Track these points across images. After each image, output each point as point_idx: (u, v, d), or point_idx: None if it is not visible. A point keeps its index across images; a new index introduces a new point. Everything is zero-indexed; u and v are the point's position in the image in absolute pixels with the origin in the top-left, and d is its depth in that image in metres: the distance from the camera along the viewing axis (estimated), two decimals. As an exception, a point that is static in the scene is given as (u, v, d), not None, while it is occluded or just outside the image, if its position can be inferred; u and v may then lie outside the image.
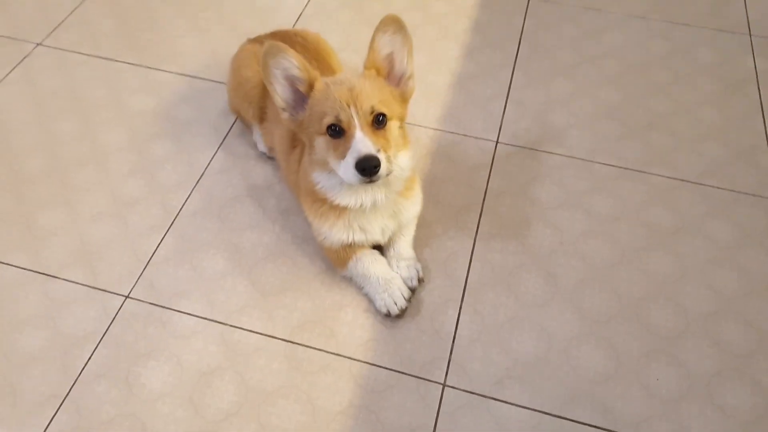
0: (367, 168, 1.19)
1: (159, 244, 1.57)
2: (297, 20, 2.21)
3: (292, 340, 1.41)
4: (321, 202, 1.39)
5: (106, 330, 1.41)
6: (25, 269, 1.52)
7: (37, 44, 2.10)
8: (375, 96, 1.24)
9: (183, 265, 1.53)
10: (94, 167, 1.74)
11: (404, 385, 1.33)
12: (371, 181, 1.22)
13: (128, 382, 1.34)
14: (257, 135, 1.76)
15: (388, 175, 1.24)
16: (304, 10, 2.25)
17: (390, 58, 1.33)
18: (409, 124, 1.86)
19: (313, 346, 1.40)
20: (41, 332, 1.41)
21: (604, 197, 1.70)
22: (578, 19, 2.23)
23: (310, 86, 1.29)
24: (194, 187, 1.70)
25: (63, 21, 2.18)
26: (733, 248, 1.60)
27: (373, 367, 1.36)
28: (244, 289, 1.50)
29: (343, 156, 1.23)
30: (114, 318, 1.43)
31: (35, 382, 1.33)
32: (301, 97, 1.32)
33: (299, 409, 1.31)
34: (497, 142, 1.83)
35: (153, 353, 1.38)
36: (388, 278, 1.44)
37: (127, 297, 1.47)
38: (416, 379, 1.34)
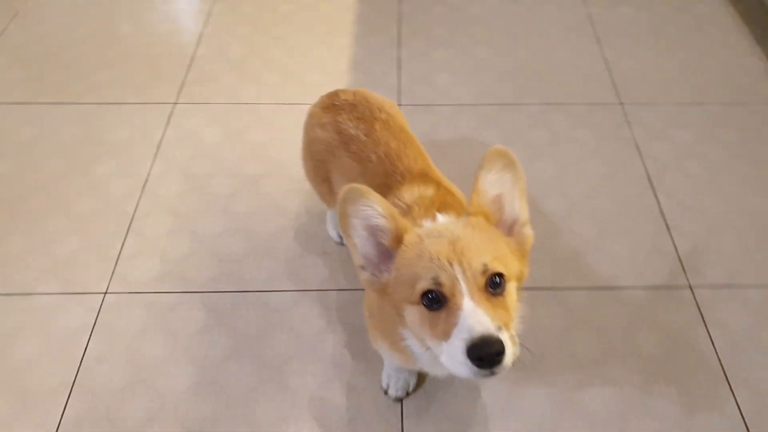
0: (487, 357, 0.86)
1: (123, 245, 1.74)
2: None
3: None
4: (399, 350, 1.13)
5: (95, 321, 1.57)
6: None
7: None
8: (488, 250, 0.94)
9: (151, 255, 1.72)
10: (44, 194, 1.87)
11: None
12: (492, 374, 0.89)
13: (129, 357, 1.51)
14: (329, 218, 1.73)
15: (514, 363, 0.90)
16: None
17: (498, 201, 1.03)
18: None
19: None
20: (34, 340, 1.54)
21: (491, 129, 2.05)
22: (443, -1, 2.62)
23: (398, 240, 0.99)
24: (141, 193, 1.88)
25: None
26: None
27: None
28: (210, 262, 1.70)
29: (446, 335, 0.90)
30: (99, 311, 1.59)
31: (40, 381, 1.47)
32: (385, 252, 1.01)
33: (285, 339, 1.54)
34: (399, 105, 2.14)
35: (145, 329, 1.56)
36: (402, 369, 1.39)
37: (105, 293, 1.63)
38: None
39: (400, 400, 1.45)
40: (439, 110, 2.12)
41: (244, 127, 2.08)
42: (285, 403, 1.43)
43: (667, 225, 1.78)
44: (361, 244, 1.01)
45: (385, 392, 1.45)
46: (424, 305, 0.93)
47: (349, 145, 1.35)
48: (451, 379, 1.47)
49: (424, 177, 1.28)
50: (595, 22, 2.47)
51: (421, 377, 1.47)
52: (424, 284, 0.92)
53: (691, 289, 1.64)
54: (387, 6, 2.58)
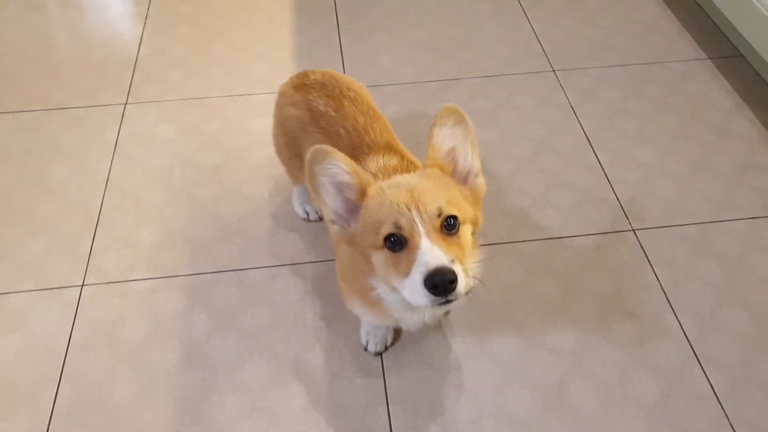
0: (441, 284, 0.96)
1: (93, 239, 1.76)
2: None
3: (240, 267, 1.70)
4: (371, 304, 1.23)
5: (75, 312, 1.60)
6: (-28, 297, 1.64)
7: None
8: (442, 195, 1.04)
9: (123, 246, 1.74)
10: (2, 202, 1.87)
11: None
12: (447, 302, 0.99)
13: (114, 341, 1.54)
14: (296, 196, 1.79)
15: (468, 293, 1.01)
16: (143, 32, 2.49)
17: (452, 154, 1.14)
18: (274, 92, 2.21)
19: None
20: (14, 336, 1.56)
21: (436, 103, 2.17)
22: (376, -14, 2.73)
23: (363, 193, 1.08)
24: (104, 190, 1.90)
25: None
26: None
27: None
28: (183, 247, 1.75)
29: (407, 272, 1.00)
30: (78, 303, 1.62)
31: (28, 373, 1.49)
32: (352, 206, 1.11)
33: (265, 310, 1.60)
34: (346, 88, 2.23)
35: (126, 315, 1.59)
36: (379, 324, 1.46)
37: (82, 286, 1.66)
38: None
39: (379, 354, 1.54)
40: (385, 89, 2.23)
41: (197, 121, 2.12)
42: (270, 367, 1.50)
43: (606, 176, 1.94)
44: (330, 201, 1.10)
45: (365, 348, 1.54)
46: (388, 248, 1.04)
47: (319, 121, 1.43)
48: (424, 332, 1.57)
49: (389, 149, 1.37)
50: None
51: (397, 333, 1.57)
52: (386, 229, 1.02)
53: (634, 232, 1.80)
54: (323, -4, 2.67)
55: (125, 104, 2.18)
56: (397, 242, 1.02)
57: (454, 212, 1.04)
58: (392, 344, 1.55)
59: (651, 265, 1.71)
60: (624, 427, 1.42)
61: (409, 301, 1.02)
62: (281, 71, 2.30)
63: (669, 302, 1.63)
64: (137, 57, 2.37)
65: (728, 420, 1.42)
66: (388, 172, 1.30)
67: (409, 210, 1.01)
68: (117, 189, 1.90)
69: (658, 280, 1.68)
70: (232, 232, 1.79)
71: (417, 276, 0.98)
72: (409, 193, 1.03)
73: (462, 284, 0.98)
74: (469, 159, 1.14)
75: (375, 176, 1.29)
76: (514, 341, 1.56)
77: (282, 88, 1.57)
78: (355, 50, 2.40)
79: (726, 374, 1.49)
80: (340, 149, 1.35)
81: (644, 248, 1.75)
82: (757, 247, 1.74)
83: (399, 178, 1.11)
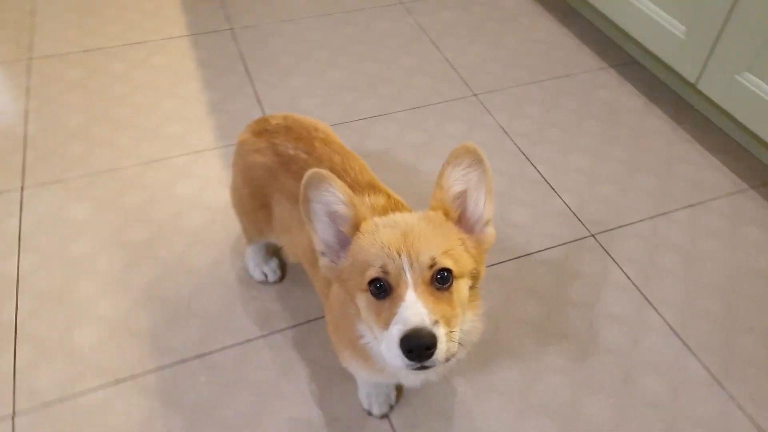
0: (416, 349, 0.85)
1: (15, 356, 1.46)
2: (24, 118, 2.15)
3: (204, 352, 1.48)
4: (364, 357, 1.11)
5: None
6: None
7: None
8: (438, 244, 0.93)
9: (56, 356, 1.46)
10: None
11: None
12: (422, 368, 0.88)
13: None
14: (250, 257, 1.62)
15: (448, 360, 0.90)
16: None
17: (462, 198, 1.02)
18: (195, 152, 2.01)
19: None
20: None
21: (370, 141, 2.09)
22: (279, 30, 2.61)
23: (356, 227, 0.99)
24: (17, 293, 1.60)
25: None
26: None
27: None
28: (129, 342, 1.50)
29: (387, 324, 0.90)
30: None
31: None
32: (344, 239, 1.01)
33: (248, 394, 1.39)
34: (273, 138, 2.09)
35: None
36: (381, 383, 1.35)
37: (13, 416, 1.35)
38: None
39: (385, 416, 1.39)
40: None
41: (114, 195, 1.87)
42: (270, 460, 1.30)
43: (553, 188, 1.95)
44: (321, 230, 1.01)
45: (369, 413, 1.39)
46: (372, 293, 0.93)
47: (290, 166, 1.31)
48: (426, 387, 1.45)
49: (374, 188, 1.27)
50: (425, 29, 2.64)
51: (399, 388, 1.44)
52: (372, 272, 0.92)
53: (593, 237, 1.81)
54: (222, 47, 2.51)
55: (22, 189, 1.88)
56: (382, 289, 0.92)
57: (448, 265, 0.93)
58: (397, 402, 1.41)
59: (619, 266, 1.73)
60: (646, 428, 1.40)
61: (384, 356, 0.91)
62: (198, 129, 2.12)
63: (646, 299, 1.65)
64: (26, 134, 2.07)
65: (734, 400, 1.45)
66: (377, 213, 1.20)
67: (399, 255, 0.91)
68: (32, 290, 1.61)
69: (629, 279, 1.70)
70: (183, 313, 1.57)
71: (394, 332, 0.87)
72: (403, 236, 0.93)
73: (442, 351, 0.87)
74: (481, 206, 1.02)
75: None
76: (517, 370, 1.49)
77: (241, 136, 1.43)
78: (272, 97, 2.27)
79: (716, 357, 1.53)
80: None
81: (607, 251, 1.77)
82: (702, 232, 1.83)
83: (397, 217, 1.00)
